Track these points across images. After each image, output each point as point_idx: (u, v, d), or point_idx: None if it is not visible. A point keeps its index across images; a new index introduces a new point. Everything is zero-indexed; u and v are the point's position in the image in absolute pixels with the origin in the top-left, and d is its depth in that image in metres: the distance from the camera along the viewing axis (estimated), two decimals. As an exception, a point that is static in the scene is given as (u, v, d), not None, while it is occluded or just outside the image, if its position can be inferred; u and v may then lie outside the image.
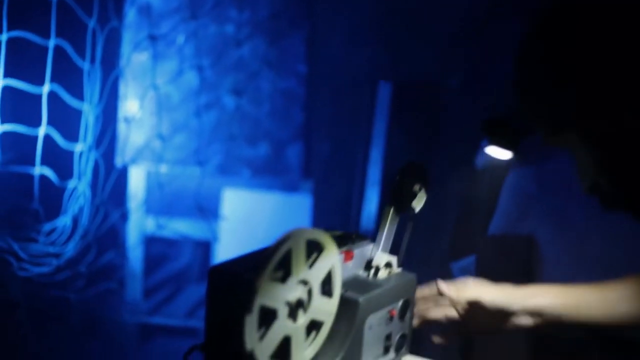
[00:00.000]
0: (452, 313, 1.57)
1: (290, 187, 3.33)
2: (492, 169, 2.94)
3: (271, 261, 1.12)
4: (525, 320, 1.53)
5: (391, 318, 1.38)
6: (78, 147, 2.79)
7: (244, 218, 3.30)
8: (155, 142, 3.19)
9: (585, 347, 2.70)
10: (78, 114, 2.79)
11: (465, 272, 2.70)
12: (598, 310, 1.47)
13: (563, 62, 1.07)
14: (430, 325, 1.57)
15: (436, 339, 1.54)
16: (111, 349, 3.24)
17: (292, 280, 1.18)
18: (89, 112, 2.80)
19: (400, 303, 1.39)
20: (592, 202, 2.65)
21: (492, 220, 2.87)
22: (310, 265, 1.21)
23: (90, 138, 2.84)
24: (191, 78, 3.25)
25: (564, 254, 2.71)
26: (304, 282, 1.21)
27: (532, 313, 1.52)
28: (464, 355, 2.73)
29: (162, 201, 3.34)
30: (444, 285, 1.56)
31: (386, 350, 1.39)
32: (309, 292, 1.21)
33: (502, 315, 1.53)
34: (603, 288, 1.50)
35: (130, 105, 3.18)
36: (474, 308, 1.54)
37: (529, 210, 2.81)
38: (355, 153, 3.12)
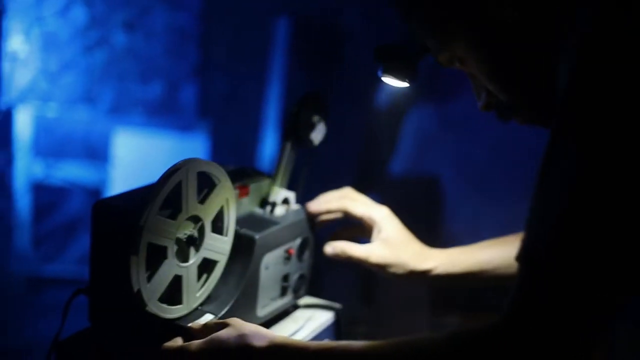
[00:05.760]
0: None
1: (185, 128, 3.22)
2: (393, 105, 2.92)
3: (159, 195, 1.04)
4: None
5: (289, 257, 1.31)
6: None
7: (137, 161, 3.19)
8: (42, 81, 3.04)
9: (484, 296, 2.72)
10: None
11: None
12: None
13: None
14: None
15: (328, 248, 1.41)
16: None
17: (183, 216, 1.10)
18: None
19: (298, 241, 1.33)
20: (495, 143, 2.64)
21: (393, 161, 2.85)
22: (202, 200, 1.13)
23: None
24: (79, 12, 3.08)
25: (467, 194, 2.71)
26: (196, 219, 1.13)
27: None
28: (364, 298, 2.71)
29: (50, 145, 3.19)
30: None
31: (283, 291, 1.32)
32: (201, 229, 1.14)
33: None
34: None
35: (15, 41, 3.01)
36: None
37: (429, 151, 2.80)
38: (253, 91, 3.04)
